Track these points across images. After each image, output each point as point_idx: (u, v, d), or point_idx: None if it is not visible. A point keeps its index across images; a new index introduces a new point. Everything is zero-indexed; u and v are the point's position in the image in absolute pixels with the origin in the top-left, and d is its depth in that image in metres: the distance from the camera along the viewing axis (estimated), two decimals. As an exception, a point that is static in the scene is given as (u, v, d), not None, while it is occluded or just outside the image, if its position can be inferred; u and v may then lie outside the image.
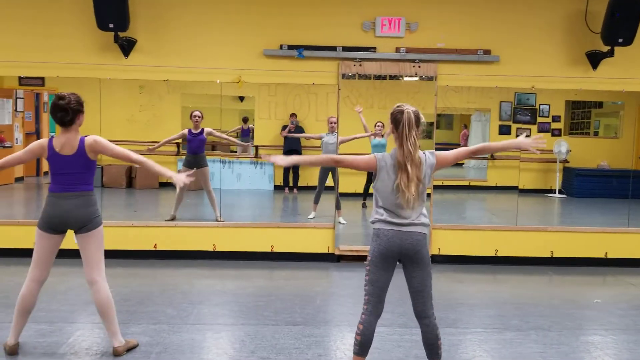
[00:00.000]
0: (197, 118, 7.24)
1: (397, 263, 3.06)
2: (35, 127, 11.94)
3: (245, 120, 10.94)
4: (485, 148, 3.33)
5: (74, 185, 3.51)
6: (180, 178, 3.55)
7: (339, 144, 6.69)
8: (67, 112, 3.44)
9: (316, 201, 7.56)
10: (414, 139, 2.85)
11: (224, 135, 7.85)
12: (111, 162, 9.45)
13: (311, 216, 7.46)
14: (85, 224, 3.55)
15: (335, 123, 6.88)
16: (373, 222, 3.01)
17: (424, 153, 2.95)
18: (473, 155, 3.16)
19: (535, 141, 3.14)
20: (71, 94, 3.49)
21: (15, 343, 3.56)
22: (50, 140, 3.52)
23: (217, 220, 6.70)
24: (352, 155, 3.08)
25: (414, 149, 2.86)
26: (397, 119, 2.89)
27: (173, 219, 6.78)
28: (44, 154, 3.53)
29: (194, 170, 7.04)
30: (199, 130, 7.26)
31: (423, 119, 2.93)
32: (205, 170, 7.28)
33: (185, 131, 7.30)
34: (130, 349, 3.66)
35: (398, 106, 2.93)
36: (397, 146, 2.92)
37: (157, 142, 7.37)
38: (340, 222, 6.99)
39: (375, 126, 7.75)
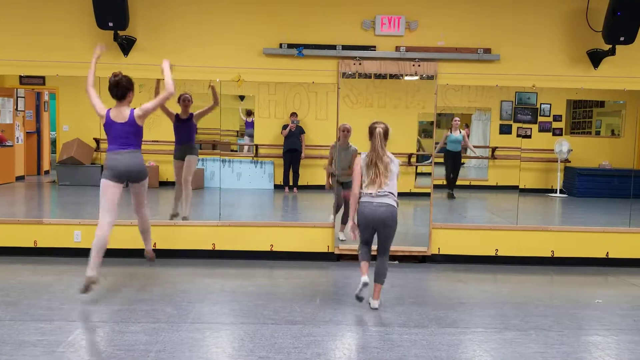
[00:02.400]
0: (187, 102, 6.51)
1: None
2: (36, 126, 11.94)
3: (249, 113, 10.93)
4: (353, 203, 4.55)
5: (126, 145, 4.53)
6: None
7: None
8: (119, 87, 4.47)
9: (343, 221, 6.31)
10: (382, 145, 4.32)
11: (205, 108, 6.61)
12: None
13: (342, 237, 6.29)
14: (141, 176, 4.64)
15: (349, 132, 6.31)
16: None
17: (393, 156, 4.41)
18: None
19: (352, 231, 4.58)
20: (124, 75, 4.52)
21: (96, 275, 4.45)
22: (108, 111, 4.53)
23: (182, 218, 6.44)
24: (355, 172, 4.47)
25: (382, 151, 4.32)
26: (372, 131, 4.36)
27: (175, 215, 6.58)
28: (102, 120, 4.52)
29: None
30: (187, 116, 6.54)
31: (390, 132, 4.38)
32: (192, 158, 6.60)
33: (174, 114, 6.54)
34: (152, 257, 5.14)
35: (373, 123, 4.41)
36: (370, 149, 4.35)
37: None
38: (339, 239, 6.27)
39: (452, 120, 8.48)
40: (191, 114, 6.57)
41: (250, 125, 10.86)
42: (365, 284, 4.41)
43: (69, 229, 6.05)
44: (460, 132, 9.20)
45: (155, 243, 5.92)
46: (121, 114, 4.50)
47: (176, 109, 6.65)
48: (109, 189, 4.50)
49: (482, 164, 10.63)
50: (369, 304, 4.54)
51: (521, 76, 6.15)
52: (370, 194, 4.35)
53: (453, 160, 9.33)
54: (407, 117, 7.57)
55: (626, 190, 7.34)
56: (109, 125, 4.52)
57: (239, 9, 6.09)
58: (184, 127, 6.58)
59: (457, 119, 9.26)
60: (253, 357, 3.56)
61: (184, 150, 6.64)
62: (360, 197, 4.43)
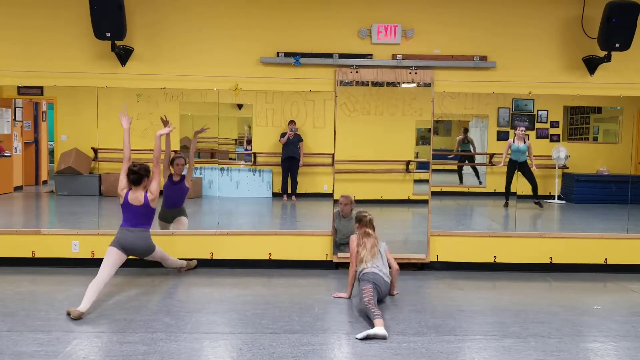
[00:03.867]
0: (180, 167, 6.10)
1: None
2: (34, 137, 11.96)
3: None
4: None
5: (138, 224, 5.02)
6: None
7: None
8: (136, 174, 4.97)
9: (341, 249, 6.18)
10: (369, 231, 4.97)
11: (188, 165, 6.22)
12: (109, 170, 9.46)
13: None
14: (146, 253, 5.18)
15: (352, 203, 6.03)
16: (361, 271, 4.88)
17: (380, 241, 5.05)
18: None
19: None
20: (142, 165, 5.04)
21: (84, 311, 4.44)
22: (127, 193, 5.00)
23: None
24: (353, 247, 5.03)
25: (367, 237, 4.94)
26: (360, 219, 5.04)
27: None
28: (121, 200, 5.01)
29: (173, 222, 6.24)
30: (180, 178, 6.14)
31: (373, 220, 5.04)
32: (183, 220, 6.24)
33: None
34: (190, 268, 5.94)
35: (360, 212, 5.14)
36: (359, 233, 5.01)
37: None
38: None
39: (517, 130, 8.86)
40: (183, 176, 6.17)
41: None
42: (384, 338, 4.09)
43: (67, 239, 6.05)
44: (524, 143, 8.96)
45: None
46: (137, 198, 5.00)
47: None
48: (113, 254, 4.90)
49: (479, 170, 10.64)
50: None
51: (517, 83, 6.18)
52: (375, 266, 4.84)
53: (520, 169, 9.12)
54: (404, 125, 7.60)
55: (624, 196, 7.35)
56: (127, 206, 5.00)
57: (236, 18, 6.12)
58: (176, 189, 6.12)
59: (522, 129, 9.12)
60: (251, 366, 3.55)
61: (172, 214, 6.23)
62: (362, 271, 4.85)
